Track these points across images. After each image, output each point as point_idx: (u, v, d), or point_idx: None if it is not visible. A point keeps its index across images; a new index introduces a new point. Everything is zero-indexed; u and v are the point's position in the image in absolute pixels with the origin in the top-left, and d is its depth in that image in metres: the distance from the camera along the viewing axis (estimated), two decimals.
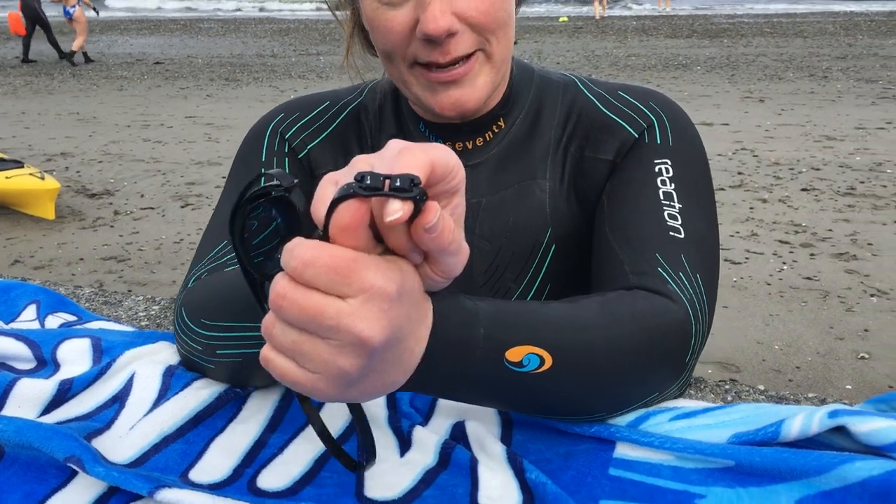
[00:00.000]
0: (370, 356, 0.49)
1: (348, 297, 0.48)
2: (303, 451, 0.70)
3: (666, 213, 0.80)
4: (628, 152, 0.88)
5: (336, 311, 0.47)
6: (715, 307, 0.80)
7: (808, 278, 3.74)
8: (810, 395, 0.81)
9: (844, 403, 0.74)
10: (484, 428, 0.71)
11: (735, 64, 11.05)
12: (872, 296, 3.57)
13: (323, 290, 0.48)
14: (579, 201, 0.92)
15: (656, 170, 0.84)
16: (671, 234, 0.79)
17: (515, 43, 0.88)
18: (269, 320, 0.50)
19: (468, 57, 0.80)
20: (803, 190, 5.15)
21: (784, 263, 3.94)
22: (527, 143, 0.93)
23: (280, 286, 0.48)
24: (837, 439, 0.66)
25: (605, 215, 0.85)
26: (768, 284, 3.71)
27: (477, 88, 0.82)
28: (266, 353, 0.51)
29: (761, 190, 5.19)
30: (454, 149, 0.93)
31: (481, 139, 0.92)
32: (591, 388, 0.66)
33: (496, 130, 0.93)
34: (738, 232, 4.42)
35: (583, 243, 0.91)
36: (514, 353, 0.60)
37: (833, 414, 0.65)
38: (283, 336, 0.49)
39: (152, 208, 5.26)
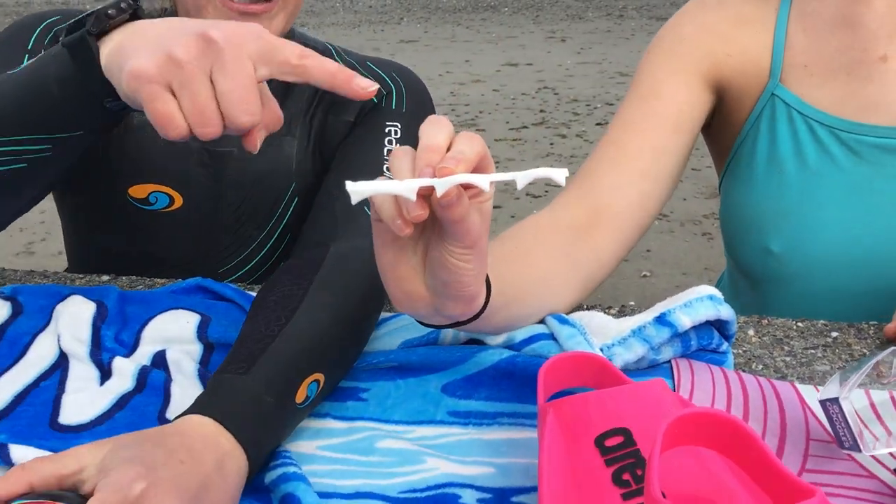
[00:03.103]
0: None
1: None
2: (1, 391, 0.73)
3: (385, 167, 0.90)
4: (366, 115, 0.98)
5: None
6: None
7: None
8: None
9: None
10: (183, 352, 0.78)
11: (540, 5, 11.43)
12: (656, 219, 3.91)
13: None
14: (323, 160, 1.01)
15: (386, 130, 0.94)
16: None
17: None
18: None
19: None
20: (598, 124, 5.48)
21: None
22: (283, 101, 1.00)
23: None
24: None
25: (334, 164, 0.94)
26: None
27: (271, 29, 0.87)
28: None
29: (561, 126, 5.47)
30: None
31: None
32: (350, 366, 0.75)
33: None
34: (538, 167, 4.66)
35: None
36: (300, 395, 0.65)
37: None
38: None
39: None
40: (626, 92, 0.96)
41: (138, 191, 1.00)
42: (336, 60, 1.02)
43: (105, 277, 0.96)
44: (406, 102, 0.98)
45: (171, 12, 0.97)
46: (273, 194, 1.01)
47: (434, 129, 0.52)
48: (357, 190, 0.50)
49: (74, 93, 0.63)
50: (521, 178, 0.51)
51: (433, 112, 1.01)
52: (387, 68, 1.02)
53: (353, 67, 1.02)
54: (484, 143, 0.53)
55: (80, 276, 0.96)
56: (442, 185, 0.49)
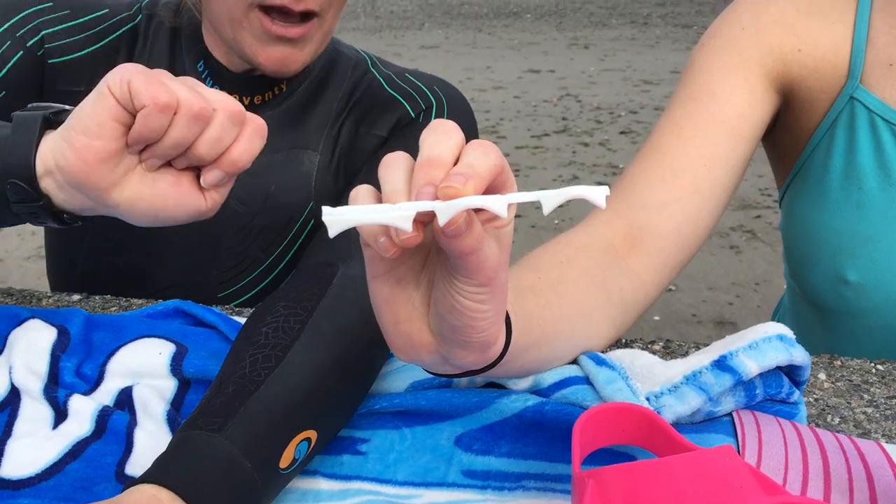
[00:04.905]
0: None
1: None
2: None
3: None
4: (401, 130, 0.87)
5: None
6: None
7: None
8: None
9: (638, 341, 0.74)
10: (153, 389, 0.66)
11: (563, 11, 11.30)
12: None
13: None
14: (348, 178, 0.90)
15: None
16: None
17: None
18: None
19: (308, 19, 0.77)
20: (622, 133, 5.35)
21: None
22: (306, 111, 0.90)
23: None
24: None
25: (359, 178, 0.84)
26: None
27: (305, 52, 0.80)
28: None
29: (583, 134, 5.35)
30: None
31: (259, 97, 0.88)
32: (350, 416, 0.63)
33: (276, 92, 0.89)
34: (560, 176, 4.54)
35: None
36: (285, 459, 0.53)
37: None
38: None
39: None
40: (675, 89, 0.82)
41: None
42: (371, 71, 0.93)
43: (76, 297, 0.85)
44: (447, 118, 0.87)
45: (192, 8, 0.87)
46: (287, 214, 0.90)
47: (438, 137, 0.40)
48: (336, 220, 0.38)
49: None
50: (549, 199, 0.39)
51: (476, 132, 0.91)
52: (428, 82, 0.92)
53: (390, 79, 0.92)
54: (501, 153, 0.41)
55: (48, 295, 0.85)
56: (446, 211, 0.37)
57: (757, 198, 4.03)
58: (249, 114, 0.57)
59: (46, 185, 0.56)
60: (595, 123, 5.58)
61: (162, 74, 0.54)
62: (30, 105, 0.60)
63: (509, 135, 5.30)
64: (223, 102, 0.55)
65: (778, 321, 1.05)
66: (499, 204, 0.38)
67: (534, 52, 8.30)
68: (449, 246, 0.39)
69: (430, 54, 8.32)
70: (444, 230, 0.38)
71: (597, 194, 0.39)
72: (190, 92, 0.53)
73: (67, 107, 0.59)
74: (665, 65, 7.35)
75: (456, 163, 0.40)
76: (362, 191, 0.41)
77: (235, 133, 0.56)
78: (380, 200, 0.41)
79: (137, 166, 0.56)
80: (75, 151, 0.53)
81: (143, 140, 0.54)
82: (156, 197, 0.56)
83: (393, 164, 0.41)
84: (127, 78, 0.52)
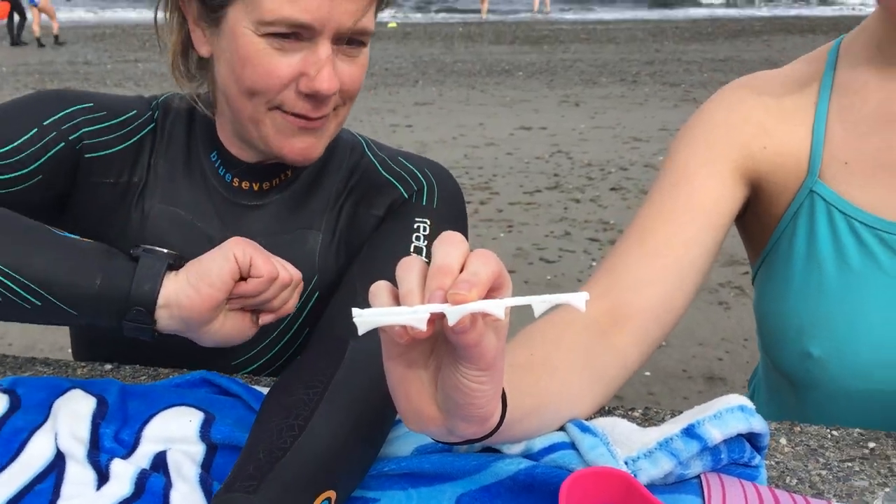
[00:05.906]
0: None
1: None
2: None
3: None
4: (396, 210, 0.96)
5: None
6: None
7: None
8: None
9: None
10: (184, 454, 0.74)
11: (554, 69, 11.56)
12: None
13: None
14: (348, 254, 0.98)
15: (415, 226, 0.92)
16: None
17: None
18: None
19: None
20: (612, 189, 5.46)
21: (594, 260, 4.16)
22: (310, 194, 0.98)
23: None
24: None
25: (359, 257, 0.92)
26: (579, 281, 3.87)
27: (322, 140, 0.89)
28: None
29: (574, 191, 5.46)
30: (240, 188, 0.96)
31: (268, 184, 0.96)
32: (363, 476, 0.72)
33: (283, 178, 0.97)
34: (552, 232, 4.63)
35: None
36: None
37: None
38: None
39: None
40: (656, 176, 0.91)
41: None
42: (367, 155, 1.01)
43: (108, 367, 0.93)
44: (437, 199, 0.96)
45: (203, 108, 0.95)
46: None
47: (447, 248, 0.50)
48: (364, 321, 0.48)
49: (111, 298, 0.76)
50: (539, 303, 0.49)
51: (464, 211, 0.99)
52: (419, 164, 1.00)
53: (385, 163, 1.00)
54: (499, 261, 0.51)
55: (83, 364, 0.93)
56: (454, 314, 0.47)
57: (744, 254, 4.12)
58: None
59: (160, 314, 0.76)
60: (586, 180, 5.70)
61: (265, 254, 0.80)
62: (143, 247, 0.78)
63: (502, 191, 5.41)
64: (292, 272, 0.81)
65: (753, 390, 1.13)
66: (498, 308, 0.48)
67: (525, 109, 8.48)
68: (456, 340, 0.48)
69: (424, 111, 8.49)
70: (454, 328, 0.47)
71: (578, 300, 0.48)
72: (280, 266, 0.80)
73: (177, 254, 0.81)
74: (654, 122, 7.52)
75: (462, 269, 0.49)
76: (381, 287, 0.51)
77: (293, 293, 0.82)
78: (395, 295, 0.50)
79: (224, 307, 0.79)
80: (202, 297, 0.76)
81: (246, 296, 0.78)
82: (228, 328, 0.80)
83: (408, 268, 0.51)
84: (249, 253, 0.77)
